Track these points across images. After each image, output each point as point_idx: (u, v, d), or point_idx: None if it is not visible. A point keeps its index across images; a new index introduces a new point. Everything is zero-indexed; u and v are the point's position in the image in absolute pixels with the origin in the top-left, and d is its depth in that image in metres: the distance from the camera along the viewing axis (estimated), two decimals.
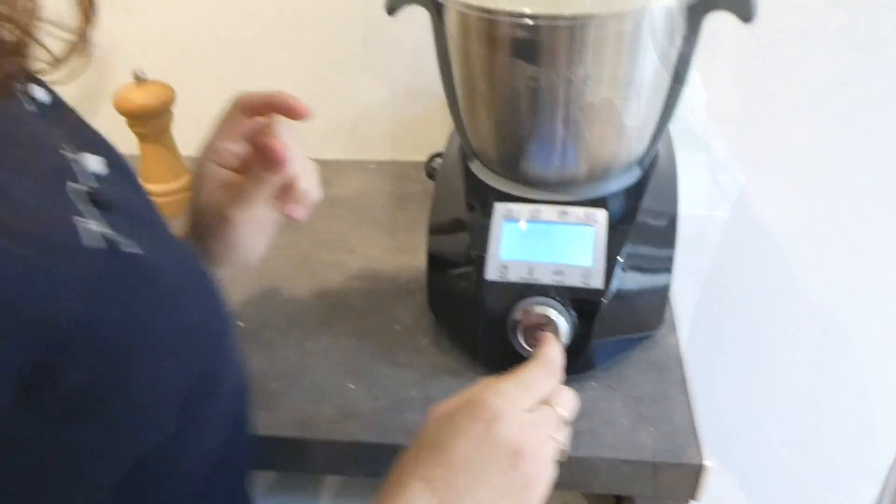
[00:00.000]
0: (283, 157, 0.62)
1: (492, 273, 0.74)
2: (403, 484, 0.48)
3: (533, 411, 0.52)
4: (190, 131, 1.06)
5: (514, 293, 0.73)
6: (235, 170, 0.64)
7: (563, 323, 0.71)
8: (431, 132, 0.80)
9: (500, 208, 0.77)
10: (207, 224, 0.63)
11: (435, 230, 0.81)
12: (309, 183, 0.65)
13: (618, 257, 0.73)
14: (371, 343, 0.80)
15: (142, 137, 0.99)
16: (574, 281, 0.73)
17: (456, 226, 0.79)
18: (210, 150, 0.64)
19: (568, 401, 0.56)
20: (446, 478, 0.47)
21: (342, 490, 0.91)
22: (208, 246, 0.64)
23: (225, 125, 0.64)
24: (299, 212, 0.65)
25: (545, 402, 0.54)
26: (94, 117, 1.20)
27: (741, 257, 1.03)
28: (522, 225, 0.76)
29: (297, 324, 0.83)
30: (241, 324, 0.83)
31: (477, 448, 0.48)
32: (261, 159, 0.63)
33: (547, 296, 0.72)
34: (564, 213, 0.76)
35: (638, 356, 0.77)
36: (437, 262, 0.80)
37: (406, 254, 0.94)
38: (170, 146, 1.02)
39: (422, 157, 1.05)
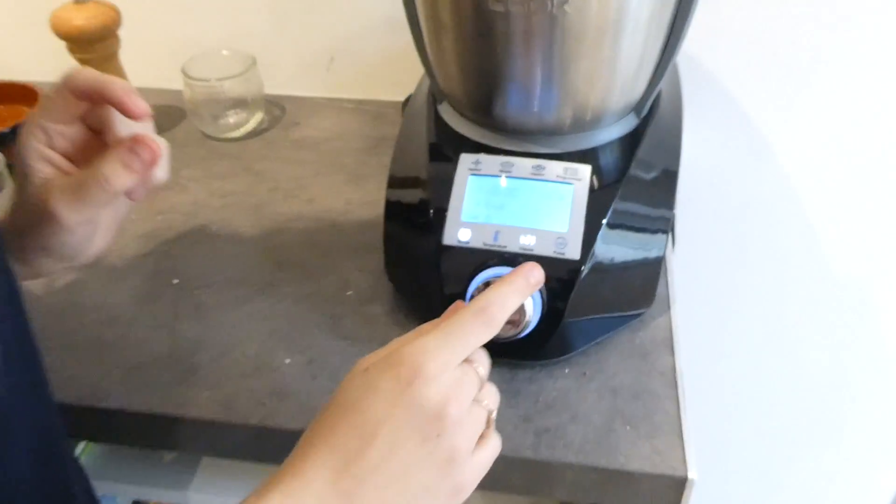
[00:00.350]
0: (157, 158, 0.50)
1: (450, 236, 0.63)
2: (306, 455, 0.41)
3: (458, 370, 0.43)
4: (141, 60, 0.96)
5: (475, 261, 0.62)
6: (68, 156, 0.52)
7: (530, 300, 0.60)
8: (415, 68, 0.69)
9: (465, 160, 0.65)
10: (31, 220, 0.51)
11: (395, 183, 0.70)
12: (160, 167, 0.52)
13: (603, 221, 0.62)
14: (318, 310, 0.70)
15: (85, 64, 0.88)
16: (546, 249, 0.61)
17: (417, 178, 0.67)
18: (36, 130, 0.51)
19: (483, 356, 0.46)
20: (358, 448, 0.41)
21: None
22: (27, 243, 0.52)
23: (53, 103, 0.51)
24: (138, 193, 0.52)
25: (467, 360, 0.44)
26: (34, 43, 1.11)
27: (756, 225, 0.89)
28: (491, 180, 0.64)
29: (237, 282, 0.73)
30: (174, 280, 0.73)
31: (392, 412, 0.41)
32: (103, 148, 0.51)
33: (514, 266, 0.61)
34: (540, 167, 0.64)
35: (621, 340, 0.66)
36: (394, 221, 0.69)
37: (373, 207, 0.83)
38: (118, 74, 0.91)
39: (402, 96, 0.93)
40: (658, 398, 0.61)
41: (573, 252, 0.61)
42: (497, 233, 0.62)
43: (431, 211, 0.64)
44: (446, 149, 0.67)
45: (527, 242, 0.62)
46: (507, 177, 0.64)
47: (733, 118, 0.87)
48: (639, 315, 0.67)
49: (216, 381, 0.63)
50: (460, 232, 0.63)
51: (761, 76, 0.87)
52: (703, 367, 0.78)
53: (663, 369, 0.63)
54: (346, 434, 0.41)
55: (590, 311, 0.63)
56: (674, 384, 0.62)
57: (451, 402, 0.41)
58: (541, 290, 0.61)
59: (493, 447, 0.45)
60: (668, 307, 0.69)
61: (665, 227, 0.65)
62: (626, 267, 0.64)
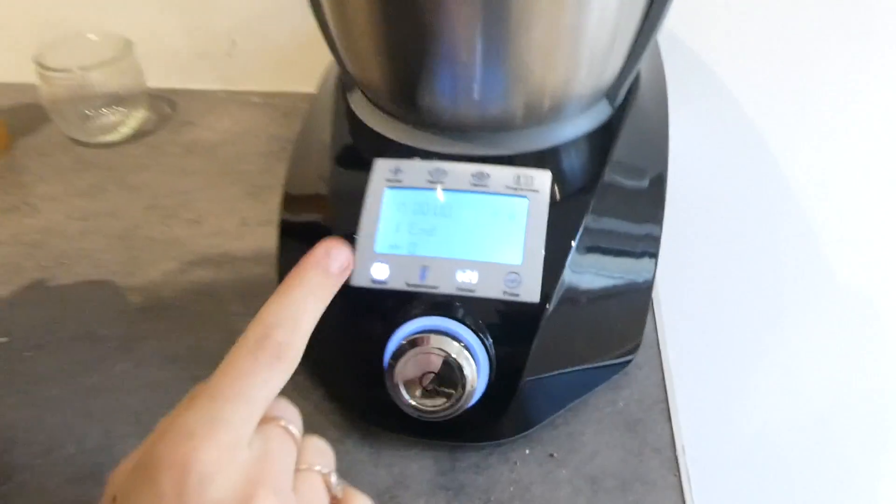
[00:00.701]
0: None
1: (360, 275, 0.45)
2: None
3: (254, 445, 0.29)
4: None
5: (394, 308, 0.45)
6: None
7: (472, 361, 0.42)
8: None
9: (381, 167, 0.47)
10: None
11: (291, 201, 0.52)
12: None
13: (571, 244, 0.45)
14: (193, 375, 0.52)
15: None
16: (493, 289, 0.44)
17: (316, 195, 0.50)
18: None
19: (285, 406, 0.33)
20: None
21: None
22: None
23: None
24: None
25: (265, 419, 0.31)
26: None
27: (757, 236, 0.72)
28: (416, 195, 0.47)
29: (84, 339, 0.54)
30: (2, 339, 0.55)
31: None
32: None
33: (448, 315, 0.43)
34: (484, 176, 0.47)
35: (599, 403, 0.49)
36: (289, 253, 0.51)
37: (275, 227, 0.64)
38: None
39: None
40: (654, 488, 0.44)
41: (530, 292, 0.44)
42: (425, 269, 0.45)
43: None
44: (356, 153, 0.49)
45: (466, 280, 0.44)
46: (438, 189, 0.47)
47: (724, 109, 0.71)
48: (622, 366, 0.50)
49: (36, 491, 0.45)
50: (373, 268, 0.45)
51: (757, 58, 0.71)
52: (711, 432, 0.57)
53: (658, 444, 0.47)
54: None
55: (556, 365, 0.46)
56: (674, 465, 0.45)
57: (257, 494, 0.27)
58: (486, 344, 0.43)
59: None
60: (659, 352, 0.52)
61: (653, 247, 0.48)
62: (604, 304, 0.47)
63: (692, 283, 0.59)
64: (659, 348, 0.52)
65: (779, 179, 0.68)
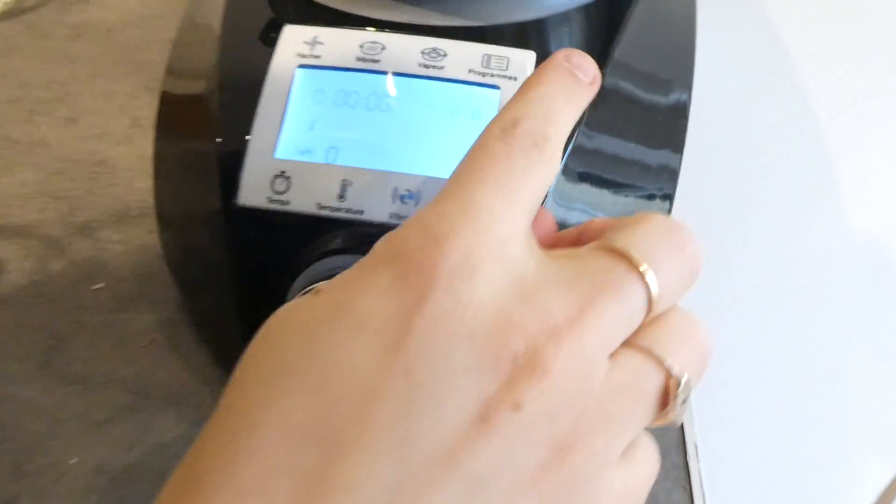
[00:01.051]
0: None
1: (252, 190, 0.31)
2: (219, 465, 0.16)
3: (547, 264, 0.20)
4: None
5: (298, 242, 0.31)
6: None
7: None
8: None
9: (291, 37, 0.33)
10: None
11: (171, 90, 0.37)
12: None
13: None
14: (33, 324, 0.38)
15: None
16: None
17: (201, 79, 0.35)
18: None
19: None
20: (329, 450, 0.16)
21: None
22: None
23: None
24: None
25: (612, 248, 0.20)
26: None
27: (794, 195, 0.55)
28: (339, 79, 0.32)
29: None
30: None
31: (389, 362, 0.17)
32: None
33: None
34: (438, 53, 0.32)
35: None
36: (166, 160, 0.36)
37: None
38: None
39: None
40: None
41: None
42: (346, 184, 0.31)
43: (219, 139, 0.32)
44: (257, 17, 0.35)
45: (406, 204, 0.30)
46: (371, 72, 0.32)
47: (764, 21, 0.56)
48: None
49: None
50: (272, 182, 0.31)
51: None
52: (731, 427, 0.42)
53: (664, 443, 0.34)
54: (304, 416, 0.17)
55: None
56: (684, 474, 0.33)
57: (547, 325, 0.18)
58: None
59: (645, 462, 0.20)
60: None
61: (668, 186, 0.34)
62: None
63: (710, 237, 0.45)
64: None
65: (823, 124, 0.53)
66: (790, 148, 0.48)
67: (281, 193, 0.31)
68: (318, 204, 0.31)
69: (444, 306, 0.17)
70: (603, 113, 0.32)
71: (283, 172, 0.31)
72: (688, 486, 0.32)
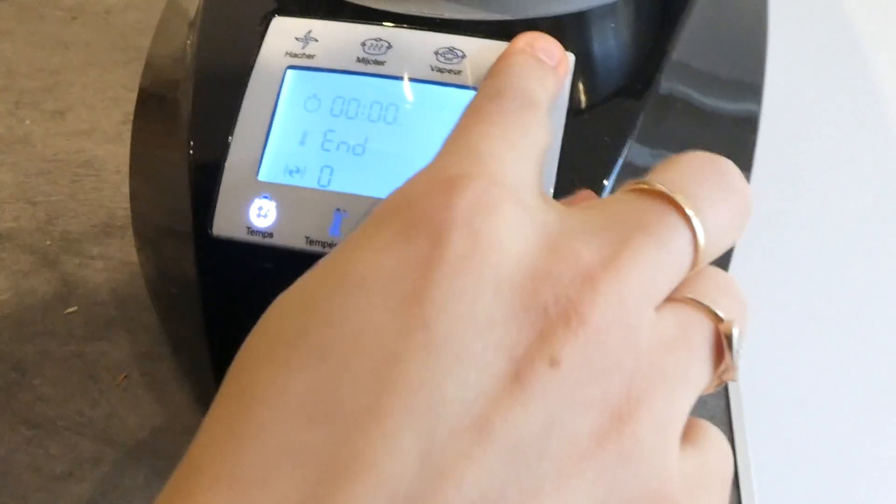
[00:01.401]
0: None
1: (230, 219, 0.26)
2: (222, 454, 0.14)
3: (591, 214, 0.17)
4: None
5: (283, 283, 0.26)
6: None
7: None
8: None
9: (280, 31, 0.28)
10: None
11: (148, 90, 0.32)
12: None
13: (604, 182, 0.25)
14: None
15: None
16: None
17: (176, 81, 0.30)
18: None
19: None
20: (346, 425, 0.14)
21: None
22: None
23: None
24: None
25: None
26: None
27: (868, 216, 0.46)
28: (335, 82, 0.27)
29: None
30: None
31: (407, 320, 0.14)
32: None
33: None
34: (455, 54, 0.27)
35: None
36: (140, 175, 0.31)
37: None
38: None
39: None
40: None
41: None
42: (342, 214, 0.26)
43: (190, 152, 0.27)
44: (238, 5, 0.29)
45: None
46: (374, 76, 0.27)
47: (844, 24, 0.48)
48: None
49: None
50: (253, 208, 0.26)
51: None
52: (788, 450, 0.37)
53: None
54: (307, 390, 0.14)
55: None
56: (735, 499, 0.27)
57: (588, 277, 0.15)
58: None
59: (718, 448, 0.17)
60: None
61: None
62: None
63: (770, 257, 0.38)
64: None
65: None
66: (871, 162, 0.42)
67: (263, 223, 0.26)
68: (308, 238, 0.26)
69: (467, 247, 0.15)
70: (658, 124, 0.26)
71: (266, 197, 0.26)
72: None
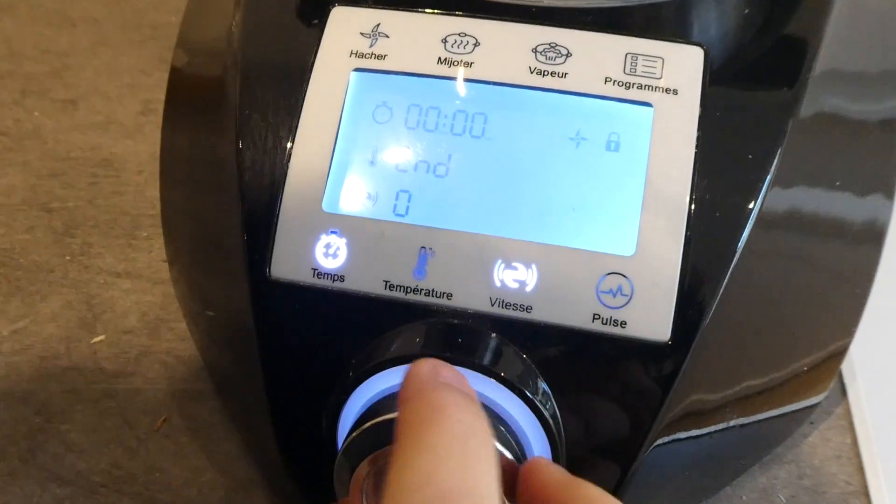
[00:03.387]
0: None
1: (290, 259, 0.22)
2: None
3: None
4: None
5: (356, 338, 0.21)
6: None
7: (518, 455, 0.20)
8: None
9: (342, 25, 0.23)
10: None
11: (178, 90, 0.27)
12: None
13: (750, 207, 0.21)
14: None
15: None
16: (569, 310, 0.20)
17: (214, 80, 0.25)
18: None
19: None
20: None
21: None
22: None
23: None
24: None
25: None
26: None
27: None
28: (414, 88, 0.22)
29: None
30: None
31: None
32: None
33: (473, 361, 0.20)
34: (558, 51, 0.22)
35: (743, 498, 0.27)
36: (174, 178, 0.27)
37: None
38: None
39: None
40: None
41: (652, 318, 0.20)
42: (426, 252, 0.21)
43: (241, 174, 0.22)
44: None
45: (513, 285, 0.21)
46: (457, 80, 0.22)
47: None
48: (797, 422, 0.27)
49: None
50: (319, 246, 0.21)
51: None
52: None
53: None
54: None
55: (685, 453, 0.23)
56: None
57: None
58: (552, 425, 0.20)
59: None
60: (846, 401, 0.29)
61: (877, 230, 0.24)
62: (788, 321, 0.23)
63: None
64: (845, 394, 0.29)
65: None
66: None
67: (332, 264, 0.21)
68: (387, 282, 0.21)
69: None
70: (809, 130, 0.22)
71: (335, 233, 0.21)
72: None
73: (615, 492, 0.21)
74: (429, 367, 0.18)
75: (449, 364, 0.18)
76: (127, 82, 0.43)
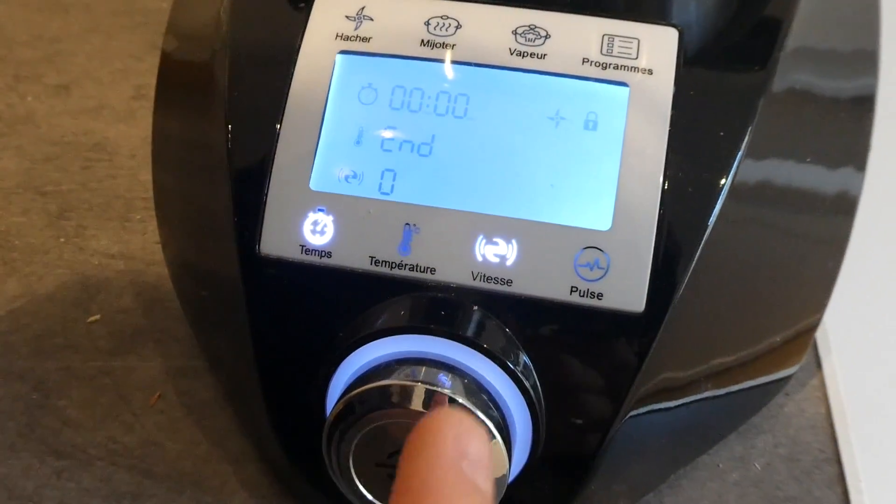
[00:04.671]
0: None
1: (280, 236, 0.22)
2: None
3: None
4: None
5: (343, 312, 0.22)
6: None
7: (501, 429, 0.20)
8: None
9: (327, 9, 0.23)
10: None
11: (169, 74, 0.28)
12: None
13: (721, 182, 0.21)
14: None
15: None
16: (548, 282, 0.21)
17: (203, 64, 0.26)
18: None
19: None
20: None
21: None
22: None
23: None
24: None
25: None
26: None
27: None
28: (398, 70, 0.23)
29: None
30: None
31: None
32: None
33: (455, 333, 0.21)
34: (537, 33, 0.23)
35: (720, 465, 0.28)
36: (166, 157, 0.28)
37: None
38: None
39: None
40: None
41: (628, 290, 0.21)
42: (410, 228, 0.22)
43: (231, 157, 0.23)
44: None
45: (494, 259, 0.22)
46: (442, 61, 0.23)
47: None
48: (772, 393, 0.28)
49: None
50: (307, 223, 0.22)
51: None
52: None
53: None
54: None
55: (660, 424, 0.24)
56: None
57: None
58: (531, 394, 0.21)
59: None
60: (821, 371, 0.30)
61: (847, 203, 0.24)
62: (759, 292, 0.24)
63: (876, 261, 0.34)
64: (820, 365, 0.30)
65: None
66: None
67: (320, 241, 0.22)
68: (372, 256, 0.22)
69: None
70: (779, 109, 0.22)
71: (321, 210, 0.22)
72: None
73: (593, 459, 0.22)
74: (453, 442, 0.16)
75: (474, 422, 0.17)
76: (119, 67, 0.43)
